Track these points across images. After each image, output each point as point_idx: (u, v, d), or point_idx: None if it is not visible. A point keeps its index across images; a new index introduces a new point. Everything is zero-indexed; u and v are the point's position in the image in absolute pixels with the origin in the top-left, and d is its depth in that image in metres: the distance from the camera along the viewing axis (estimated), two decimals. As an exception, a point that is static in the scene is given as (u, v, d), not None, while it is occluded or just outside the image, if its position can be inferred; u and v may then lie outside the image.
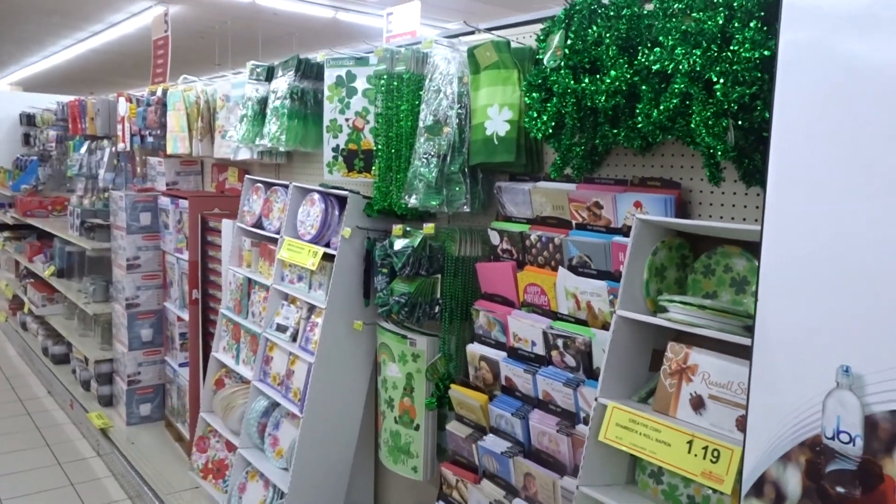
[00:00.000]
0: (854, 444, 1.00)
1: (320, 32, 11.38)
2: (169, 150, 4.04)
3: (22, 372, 5.84)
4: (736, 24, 1.40)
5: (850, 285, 1.00)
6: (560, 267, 1.98)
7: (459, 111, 2.19)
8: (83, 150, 5.32)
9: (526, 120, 1.95)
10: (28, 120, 7.49)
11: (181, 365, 3.96)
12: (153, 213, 4.12)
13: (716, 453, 1.38)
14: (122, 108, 4.60)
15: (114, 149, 4.88)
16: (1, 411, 4.93)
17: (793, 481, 1.07)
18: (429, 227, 2.31)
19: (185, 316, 3.82)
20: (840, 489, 1.01)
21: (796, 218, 1.06)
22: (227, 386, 3.28)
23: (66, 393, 4.97)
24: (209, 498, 3.29)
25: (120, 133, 4.67)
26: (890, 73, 0.95)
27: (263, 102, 3.09)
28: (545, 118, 1.85)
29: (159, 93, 4.18)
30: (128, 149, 4.62)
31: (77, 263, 5.23)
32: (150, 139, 4.28)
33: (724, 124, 1.43)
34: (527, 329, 2.04)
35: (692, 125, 1.50)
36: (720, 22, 1.43)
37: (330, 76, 2.74)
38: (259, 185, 3.18)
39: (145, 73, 5.66)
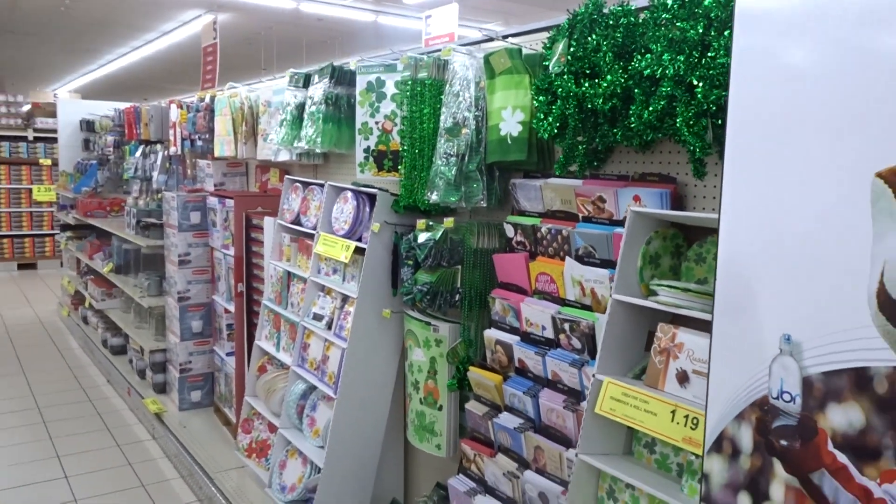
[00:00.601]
0: (794, 403, 1.14)
1: (362, 35, 11.68)
2: (216, 153, 4.32)
3: (83, 363, 6.25)
4: (713, 33, 1.54)
5: (790, 265, 1.14)
6: (567, 257, 2.14)
7: (476, 114, 2.37)
8: (138, 153, 5.68)
9: (534, 121, 2.11)
10: (88, 126, 7.96)
11: (228, 354, 4.24)
12: (202, 212, 4.41)
13: (695, 421, 1.53)
14: (174, 114, 4.91)
15: (166, 152, 5.21)
16: (66, 398, 5.32)
17: (745, 437, 1.22)
18: (449, 222, 2.50)
19: (232, 308, 4.09)
20: (783, 442, 1.16)
21: (746, 206, 1.20)
22: (268, 371, 3.53)
23: (123, 381, 5.33)
24: (253, 475, 3.54)
25: (172, 137, 4.99)
26: (822, 79, 1.09)
27: (301, 107, 3.32)
28: (551, 119, 2.01)
29: (207, 99, 4.47)
30: (179, 152, 4.93)
31: (133, 260, 5.59)
32: (199, 143, 4.57)
33: (703, 123, 1.58)
34: (538, 315, 2.20)
35: (677, 124, 1.65)
36: (700, 30, 1.57)
37: (361, 82, 2.95)
38: (297, 184, 3.41)
39: (195, 79, 5.99)
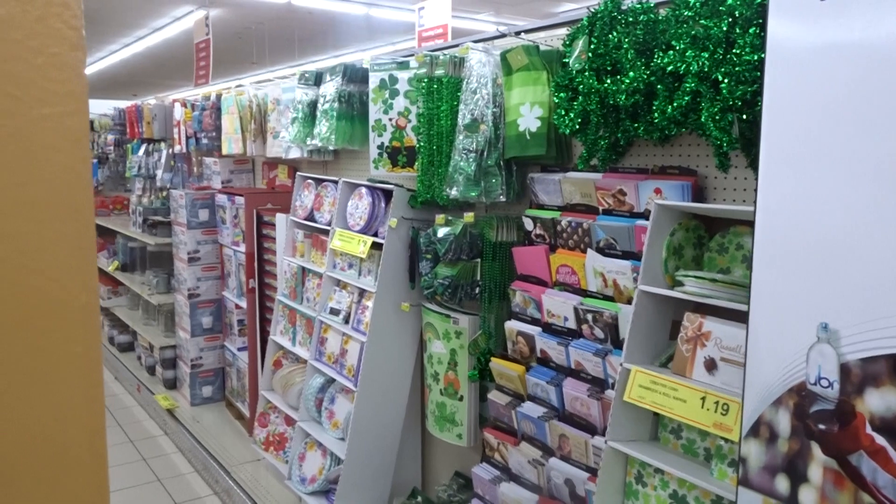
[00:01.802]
0: (832, 388, 1.20)
1: (354, 29, 11.65)
2: (224, 151, 4.34)
3: (89, 360, 6.26)
4: (738, 30, 1.59)
5: (827, 256, 1.19)
6: (588, 249, 2.19)
7: (494, 110, 2.40)
8: (141, 152, 5.68)
9: (555, 117, 2.16)
10: (85, 124, 7.91)
11: (240, 349, 4.27)
12: (211, 209, 4.43)
13: (725, 407, 1.59)
14: (178, 112, 4.92)
15: (170, 151, 5.22)
16: (74, 396, 5.34)
17: (783, 421, 1.27)
18: (469, 216, 2.54)
19: (243, 304, 4.12)
20: (822, 426, 1.21)
21: (782, 200, 1.25)
22: (284, 366, 3.57)
23: (132, 378, 5.36)
24: (270, 467, 3.59)
25: (176, 136, 5.00)
26: (858, 76, 1.14)
27: (313, 105, 3.35)
28: (572, 115, 2.05)
29: (213, 97, 4.48)
30: (184, 150, 4.94)
31: (139, 258, 5.61)
32: (205, 141, 4.59)
33: (729, 119, 1.63)
34: (559, 306, 2.25)
35: (702, 119, 1.70)
36: (724, 28, 1.61)
37: (374, 80, 2.98)
38: (310, 181, 3.44)
39: (187, 75, 5.98)
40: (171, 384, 4.99)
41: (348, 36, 12.23)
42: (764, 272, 1.28)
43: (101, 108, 7.60)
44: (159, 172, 5.24)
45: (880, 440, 1.14)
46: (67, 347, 0.61)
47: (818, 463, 1.22)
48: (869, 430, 1.15)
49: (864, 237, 1.14)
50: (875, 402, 1.14)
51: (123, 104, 6.49)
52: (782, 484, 1.28)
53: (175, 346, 4.92)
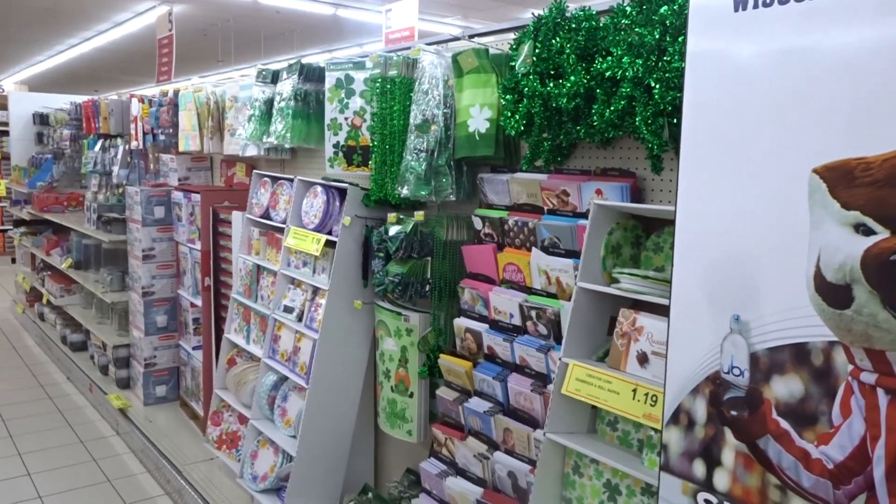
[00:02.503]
0: (743, 376, 1.27)
1: (321, 29, 11.62)
2: (181, 148, 4.31)
3: (41, 360, 6.14)
4: (668, 38, 1.66)
5: (738, 254, 1.27)
6: (533, 248, 2.25)
7: (445, 111, 2.45)
8: (97, 148, 5.59)
9: (502, 119, 2.21)
10: (41, 119, 7.77)
11: (195, 348, 4.24)
12: (167, 206, 4.39)
13: (654, 398, 1.66)
14: (135, 108, 4.87)
15: (127, 147, 5.16)
16: (24, 396, 5.23)
17: (700, 409, 1.34)
18: (419, 215, 2.58)
19: (198, 302, 4.10)
20: (733, 412, 1.28)
21: (700, 201, 1.32)
22: (238, 364, 3.56)
23: (84, 377, 5.27)
24: (223, 467, 3.58)
25: (133, 132, 4.95)
26: (765, 83, 1.22)
27: (269, 103, 3.36)
28: (517, 117, 2.11)
29: (171, 94, 4.45)
30: (141, 146, 4.89)
31: (93, 255, 5.52)
32: (162, 137, 4.55)
33: (660, 122, 1.70)
34: (505, 303, 2.31)
35: (636, 123, 1.77)
36: (657, 36, 1.69)
37: (330, 79, 3.00)
38: (266, 179, 3.45)
39: (150, 71, 5.91)
40: (125, 384, 4.93)
41: (315, 36, 12.20)
42: (683, 268, 1.35)
43: (58, 102, 7.46)
44: (115, 169, 5.18)
45: (784, 424, 1.21)
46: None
47: (731, 447, 1.29)
48: (774, 414, 1.22)
49: (771, 237, 1.21)
50: (780, 388, 1.21)
51: (80, 98, 6.38)
52: (699, 468, 1.34)
53: (129, 345, 4.86)
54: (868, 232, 1.08)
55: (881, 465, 1.10)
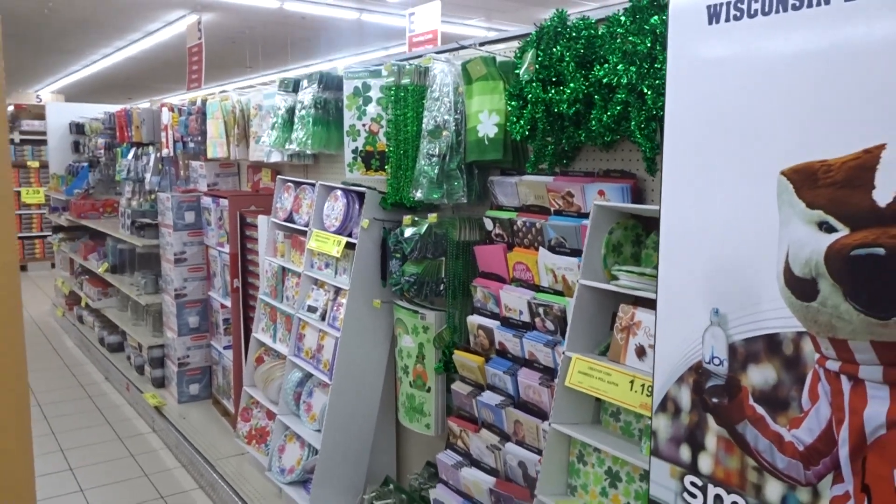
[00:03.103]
0: (723, 365, 1.36)
1: (346, 33, 11.81)
2: (209, 155, 4.49)
3: (81, 361, 6.40)
4: (658, 47, 1.75)
5: (717, 250, 1.35)
6: (541, 247, 2.35)
7: (456, 117, 2.56)
8: (130, 155, 5.82)
9: (507, 124, 2.32)
10: (77, 129, 8.07)
11: (225, 347, 4.42)
12: (196, 211, 4.58)
13: (650, 389, 1.74)
14: (166, 117, 5.07)
15: (158, 154, 5.37)
16: (65, 395, 5.48)
17: (685, 397, 1.43)
18: (433, 217, 2.70)
19: (228, 303, 4.27)
20: (715, 399, 1.37)
21: (682, 200, 1.41)
22: (266, 362, 3.72)
23: (121, 377, 5.49)
24: (253, 460, 3.74)
25: (164, 140, 5.15)
26: (737, 91, 1.30)
27: (291, 111, 3.50)
28: (522, 122, 2.21)
29: (199, 103, 4.64)
30: (171, 154, 5.09)
31: (128, 259, 5.75)
32: (191, 145, 4.74)
33: (653, 127, 1.79)
34: (515, 301, 2.41)
35: (631, 127, 1.85)
36: (648, 44, 1.77)
37: (348, 87, 3.13)
38: (290, 184, 3.60)
39: (180, 78, 6.13)
40: (160, 383, 5.13)
41: (340, 40, 12.39)
42: (668, 265, 1.44)
43: (92, 112, 7.75)
44: (148, 176, 5.39)
45: (760, 410, 1.30)
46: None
47: (713, 432, 1.38)
48: (751, 401, 1.31)
49: (745, 234, 1.30)
50: (755, 376, 1.30)
51: (114, 108, 6.63)
52: (685, 452, 1.43)
53: (163, 345, 5.06)
54: (830, 229, 1.17)
55: (845, 446, 1.18)
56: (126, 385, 5.37)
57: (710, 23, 1.32)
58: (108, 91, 18.49)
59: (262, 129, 3.94)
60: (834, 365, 1.18)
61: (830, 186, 1.16)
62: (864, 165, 1.12)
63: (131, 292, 5.37)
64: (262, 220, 3.82)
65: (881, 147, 1.11)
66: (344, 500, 3.15)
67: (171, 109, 5.00)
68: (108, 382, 5.80)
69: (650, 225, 2.11)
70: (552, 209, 2.37)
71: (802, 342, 1.22)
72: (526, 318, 2.38)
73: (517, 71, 2.28)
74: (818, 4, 1.16)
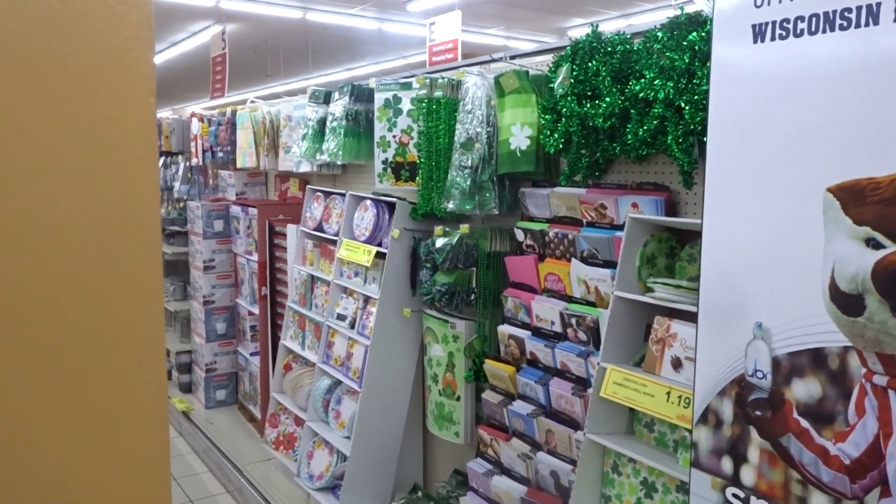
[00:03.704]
0: (766, 379, 1.37)
1: (366, 43, 11.93)
2: (238, 164, 4.56)
3: (108, 365, 6.49)
4: (697, 63, 1.77)
5: (760, 265, 1.37)
6: (573, 258, 2.37)
7: (488, 129, 2.60)
8: (160, 164, 5.92)
9: (541, 137, 2.34)
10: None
11: (252, 354, 4.47)
12: (225, 220, 4.65)
13: (687, 400, 1.76)
14: (195, 127, 5.16)
15: (187, 163, 5.46)
16: (94, 398, 5.56)
17: (727, 409, 1.44)
18: (464, 228, 2.73)
19: (255, 310, 4.32)
20: (758, 412, 1.39)
21: (725, 215, 1.43)
22: (294, 369, 3.76)
23: (149, 382, 5.57)
24: (280, 466, 3.78)
25: (193, 149, 5.24)
26: (784, 109, 1.32)
27: (322, 122, 3.56)
28: (556, 136, 2.24)
29: (229, 113, 4.72)
30: (200, 163, 5.18)
31: (156, 266, 5.83)
32: (220, 154, 4.82)
33: (690, 141, 1.81)
34: (547, 311, 2.43)
35: (668, 141, 1.88)
36: (686, 60, 1.80)
37: (379, 99, 3.18)
38: (319, 193, 3.65)
39: (203, 87, 6.20)
40: (187, 388, 5.20)
41: (361, 50, 12.51)
42: (710, 278, 1.46)
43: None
44: (177, 184, 5.48)
45: (804, 423, 1.31)
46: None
47: (756, 445, 1.39)
48: (795, 414, 1.32)
49: (790, 249, 1.31)
50: (800, 390, 1.31)
51: (143, 118, 6.74)
52: (727, 464, 1.45)
53: (190, 351, 5.13)
54: (878, 246, 1.18)
55: (893, 460, 1.19)
56: (153, 390, 5.44)
57: (756, 41, 1.34)
58: (131, 99, 18.74)
59: (291, 140, 4.01)
60: (881, 380, 1.20)
61: (878, 203, 1.17)
62: (912, 183, 1.14)
63: (159, 299, 5.45)
64: (291, 229, 3.87)
65: (929, 165, 1.12)
66: (372, 507, 3.18)
67: (201, 120, 5.09)
68: (134, 387, 5.88)
69: (684, 237, 2.12)
70: (584, 221, 2.39)
71: (848, 356, 1.24)
72: (558, 328, 2.40)
73: (550, 85, 2.31)
74: (867, 25, 1.18)
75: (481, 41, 11.29)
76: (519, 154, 2.48)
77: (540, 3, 9.60)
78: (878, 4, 1.16)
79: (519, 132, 2.48)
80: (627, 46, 2.06)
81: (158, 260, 0.69)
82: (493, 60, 2.77)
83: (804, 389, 1.30)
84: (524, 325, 2.54)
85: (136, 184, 0.65)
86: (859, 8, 1.18)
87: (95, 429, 0.73)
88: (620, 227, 2.25)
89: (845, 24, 1.20)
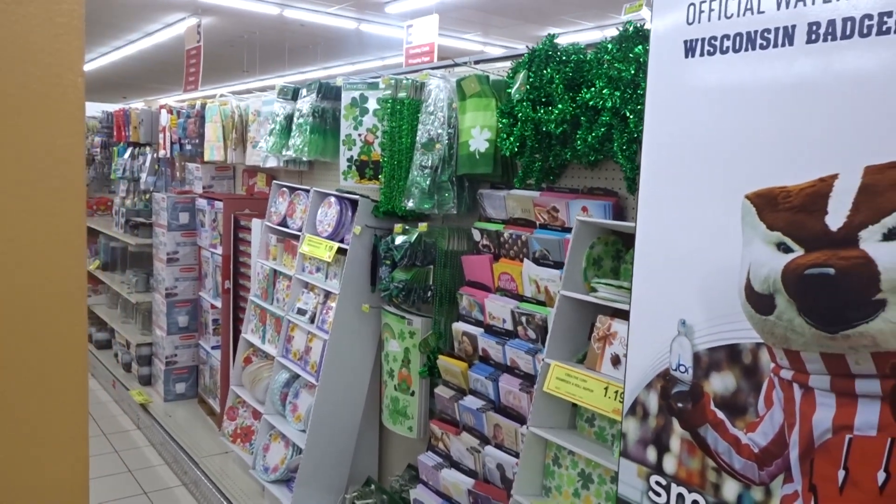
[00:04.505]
0: (688, 373, 1.46)
1: (344, 43, 11.95)
2: (206, 157, 4.57)
3: (67, 356, 6.42)
4: (641, 74, 1.86)
5: (685, 266, 1.46)
6: (525, 259, 2.45)
7: (449, 131, 2.67)
8: (126, 155, 5.89)
9: (498, 140, 2.42)
10: (73, 126, 8.10)
11: (213, 347, 4.48)
12: (191, 212, 4.65)
13: (622, 395, 1.84)
14: (164, 118, 5.15)
15: (155, 155, 5.44)
16: (51, 389, 5.50)
17: (653, 401, 1.53)
18: (423, 226, 2.80)
19: (218, 304, 4.33)
20: (679, 404, 1.47)
21: (656, 219, 1.52)
22: (253, 362, 3.79)
23: (108, 374, 5.53)
24: (237, 459, 3.80)
25: (161, 141, 5.22)
26: (705, 122, 1.42)
27: (289, 118, 3.60)
28: (512, 139, 2.32)
29: (198, 106, 4.72)
30: (168, 155, 5.17)
31: (120, 258, 5.80)
32: (188, 147, 4.82)
33: (634, 149, 1.90)
34: (499, 309, 2.50)
35: (614, 148, 1.97)
36: (632, 71, 1.89)
37: (346, 97, 3.24)
38: (285, 189, 3.69)
39: (177, 80, 6.19)
40: (147, 380, 5.17)
41: (338, 49, 12.53)
42: (641, 278, 1.55)
43: (90, 110, 7.79)
44: (143, 175, 5.46)
45: (720, 414, 1.40)
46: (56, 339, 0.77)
47: (677, 435, 1.48)
48: (712, 406, 1.41)
49: (711, 252, 1.40)
50: (717, 383, 1.40)
51: (112, 107, 6.70)
52: (651, 454, 1.53)
53: (151, 343, 5.11)
54: (787, 250, 1.27)
55: (796, 448, 1.28)
56: (112, 382, 5.40)
57: (686, 56, 1.43)
58: (102, 89, 18.50)
59: (259, 135, 4.04)
60: (787, 374, 1.29)
61: (789, 210, 1.27)
62: (819, 192, 1.23)
63: (122, 290, 5.42)
64: (255, 224, 3.90)
65: (834, 177, 1.22)
66: (326, 499, 3.22)
67: (170, 111, 5.09)
68: (93, 378, 5.83)
69: (630, 241, 2.21)
70: (538, 223, 2.47)
71: (760, 352, 1.33)
72: (509, 326, 2.48)
73: (509, 90, 2.40)
74: (783, 45, 1.27)
75: (459, 46, 11.39)
76: (478, 156, 2.56)
77: (517, 12, 9.73)
78: (794, 27, 1.26)
79: (478, 135, 2.56)
80: (580, 56, 2.14)
81: (82, 237, 0.73)
82: (457, 64, 2.84)
83: (721, 383, 1.39)
84: (478, 323, 2.61)
85: (65, 156, 0.69)
86: (777, 29, 1.28)
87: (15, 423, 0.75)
88: (571, 230, 2.33)
89: (764, 43, 1.30)
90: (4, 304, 0.74)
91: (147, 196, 5.52)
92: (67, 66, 0.65)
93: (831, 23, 1.21)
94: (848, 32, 1.18)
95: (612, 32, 2.07)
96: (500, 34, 11.23)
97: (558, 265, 2.34)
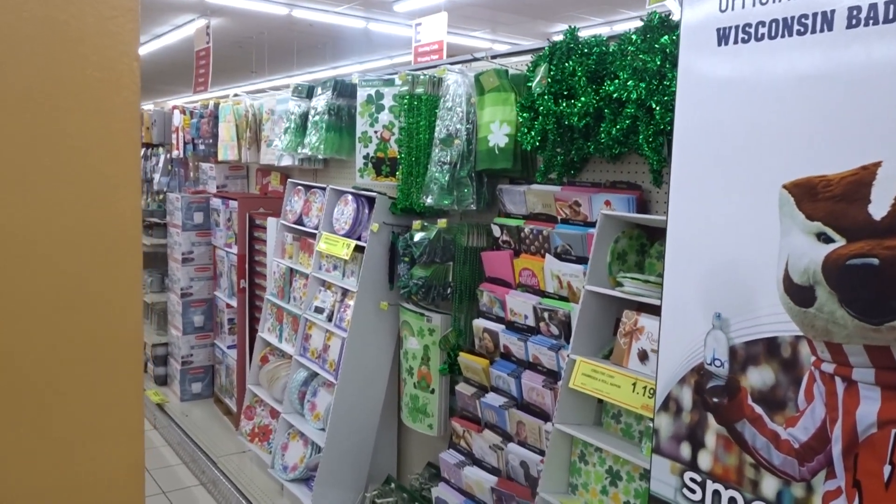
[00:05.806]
0: (723, 367, 1.43)
1: (352, 42, 11.94)
2: (220, 157, 4.57)
3: (82, 357, 6.44)
4: (668, 65, 1.84)
5: (719, 259, 1.43)
6: (547, 254, 2.43)
7: (468, 126, 2.65)
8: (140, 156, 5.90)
9: (518, 134, 2.40)
10: (85, 128, 8.14)
11: (229, 347, 4.48)
12: (205, 212, 4.65)
13: (651, 391, 1.81)
14: (177, 119, 5.15)
15: (168, 155, 5.45)
16: (68, 390, 5.52)
17: (686, 397, 1.50)
18: (442, 222, 2.78)
19: (234, 303, 4.33)
20: (715, 399, 1.45)
21: (688, 213, 1.49)
22: (270, 361, 3.78)
23: (124, 374, 5.54)
24: (255, 458, 3.79)
25: (174, 141, 5.23)
26: (743, 110, 1.39)
27: (304, 116, 3.59)
28: (533, 133, 2.30)
29: (211, 106, 4.72)
30: (181, 155, 5.17)
31: (134, 258, 5.81)
32: (202, 147, 4.82)
33: (660, 141, 1.87)
34: (521, 305, 2.48)
35: (640, 141, 1.94)
36: (658, 62, 1.86)
37: (362, 95, 3.22)
38: (300, 187, 3.67)
39: (187, 81, 6.19)
40: (163, 380, 5.18)
41: (347, 49, 12.52)
42: (673, 271, 1.52)
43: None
44: (157, 176, 5.46)
45: (758, 409, 1.37)
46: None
47: (712, 431, 1.45)
48: (749, 401, 1.38)
49: (748, 243, 1.38)
50: (754, 377, 1.38)
51: (124, 110, 6.70)
52: (685, 450, 1.51)
53: (167, 343, 5.12)
54: (828, 240, 1.25)
55: (838, 444, 1.25)
56: (128, 382, 5.41)
57: (720, 44, 1.40)
58: (113, 92, 18.55)
59: (273, 134, 4.03)
60: (829, 367, 1.26)
61: (829, 200, 1.24)
62: (862, 181, 1.20)
63: (136, 290, 5.43)
64: (271, 223, 3.89)
65: (877, 164, 1.19)
66: (346, 497, 3.21)
67: (183, 112, 5.09)
68: (109, 379, 5.85)
69: (654, 235, 2.19)
70: (559, 218, 2.44)
71: (800, 345, 1.30)
72: (531, 322, 2.46)
73: (529, 84, 2.37)
74: (821, 30, 1.24)
75: (467, 43, 11.36)
76: (497, 151, 2.54)
77: (525, 8, 9.69)
78: (833, 12, 1.23)
79: (498, 130, 2.53)
80: (603, 48, 2.12)
81: (138, 224, 0.73)
82: (475, 59, 2.82)
83: (758, 377, 1.37)
84: (498, 319, 2.59)
85: (120, 146, 0.68)
86: (815, 14, 1.25)
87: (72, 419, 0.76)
88: (594, 224, 2.30)
89: (802, 29, 1.27)
90: (62, 287, 0.73)
91: (161, 196, 5.53)
92: (122, 50, 0.63)
93: (873, 6, 1.18)
94: (891, 16, 1.15)
95: (621, 28, 2.05)
96: (508, 31, 11.18)
97: (581, 260, 2.32)
